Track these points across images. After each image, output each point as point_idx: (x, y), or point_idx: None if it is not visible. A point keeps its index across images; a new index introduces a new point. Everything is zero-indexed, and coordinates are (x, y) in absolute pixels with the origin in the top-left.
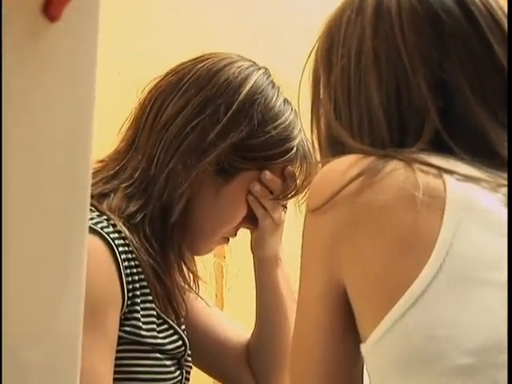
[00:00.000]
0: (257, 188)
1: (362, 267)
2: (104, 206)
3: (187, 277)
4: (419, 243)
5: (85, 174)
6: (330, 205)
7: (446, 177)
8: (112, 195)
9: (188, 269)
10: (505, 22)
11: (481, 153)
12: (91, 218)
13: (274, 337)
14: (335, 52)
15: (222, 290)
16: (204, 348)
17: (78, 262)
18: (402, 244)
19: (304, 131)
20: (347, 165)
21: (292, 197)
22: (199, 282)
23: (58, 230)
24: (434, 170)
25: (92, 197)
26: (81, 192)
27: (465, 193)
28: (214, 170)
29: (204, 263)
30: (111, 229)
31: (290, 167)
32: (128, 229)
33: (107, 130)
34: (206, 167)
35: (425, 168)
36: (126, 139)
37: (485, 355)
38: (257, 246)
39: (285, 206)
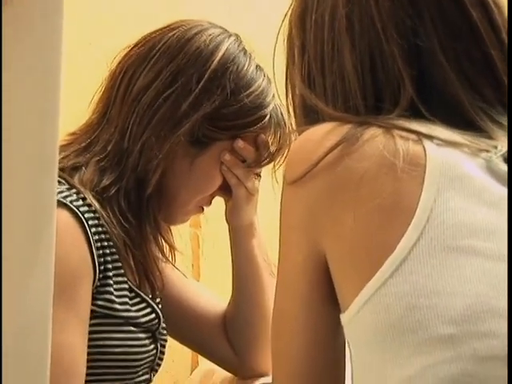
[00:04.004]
0: (227, 157)
1: (343, 237)
2: (75, 180)
3: (163, 248)
4: (400, 211)
5: (52, 147)
6: (308, 176)
7: (426, 142)
8: (84, 168)
9: (164, 240)
10: None
11: (455, 121)
12: (60, 192)
13: (250, 306)
14: (309, 17)
15: (199, 260)
16: (180, 319)
17: (47, 236)
18: (383, 212)
19: (279, 97)
20: (324, 133)
21: (265, 164)
22: (175, 253)
23: (26, 204)
24: (413, 136)
25: (63, 170)
26: (48, 165)
27: (445, 158)
28: (188, 140)
29: (180, 233)
30: (81, 202)
31: (262, 135)
32: (99, 202)
33: (79, 101)
34: (179, 138)
35: (404, 134)
36: (97, 111)
37: (465, 324)
38: (231, 216)
39: (258, 175)
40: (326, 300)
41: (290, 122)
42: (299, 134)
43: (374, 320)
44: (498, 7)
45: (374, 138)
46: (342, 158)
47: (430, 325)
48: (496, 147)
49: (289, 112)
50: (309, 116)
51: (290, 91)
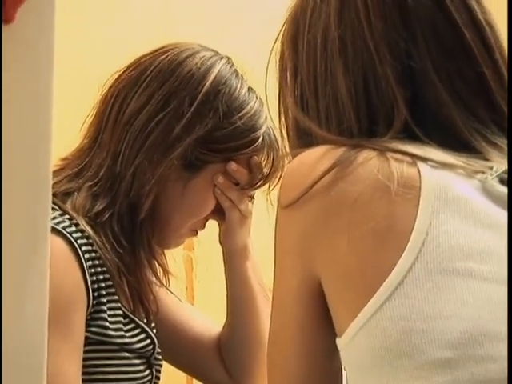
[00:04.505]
0: (220, 180)
1: (338, 261)
2: (67, 205)
3: (157, 271)
4: (395, 234)
5: (45, 173)
6: (302, 200)
7: (421, 164)
8: (76, 194)
9: (158, 264)
10: (472, 0)
11: (449, 142)
12: (53, 218)
13: (244, 329)
14: (301, 39)
15: (192, 283)
16: (175, 343)
17: (41, 262)
18: (378, 236)
19: (271, 119)
20: (317, 157)
21: (258, 187)
22: (169, 276)
23: (19, 230)
24: (408, 158)
25: (55, 195)
26: (42, 192)
27: (440, 181)
28: (181, 164)
29: (173, 256)
30: (74, 228)
31: (255, 157)
32: (92, 228)
33: (70, 127)
34: (172, 162)
35: (398, 156)
36: (88, 136)
37: (462, 348)
38: (225, 239)
39: (252, 197)
40: (322, 324)
41: (284, 144)
42: (293, 158)
43: (371, 344)
44: (490, 26)
45: (368, 161)
46: (336, 182)
47: (426, 349)
48: (491, 168)
49: (282, 135)
50: (302, 138)
51: (282, 114)
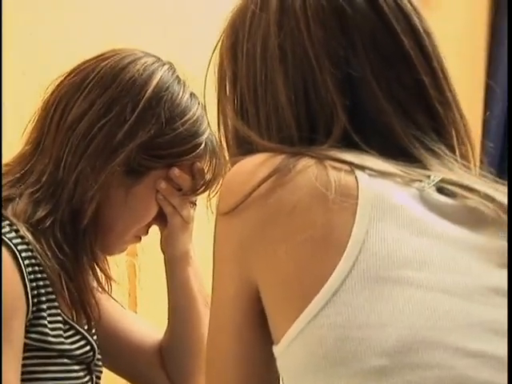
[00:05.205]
0: (162, 185)
1: (275, 269)
2: (8, 211)
3: (100, 278)
4: (331, 242)
5: None
6: (240, 207)
7: (359, 173)
8: (17, 200)
9: (101, 270)
10: (410, 9)
11: (389, 149)
12: None
13: (186, 336)
14: (240, 48)
15: (135, 289)
16: (116, 350)
17: None
18: (315, 244)
19: (209, 126)
20: (256, 164)
21: (201, 193)
22: (111, 283)
23: None
24: (346, 167)
25: None
26: None
27: (377, 189)
28: (124, 170)
29: (116, 262)
30: (14, 234)
31: (198, 163)
32: (33, 234)
33: (12, 132)
34: (115, 168)
35: (337, 165)
36: (30, 142)
37: (398, 356)
38: (167, 245)
39: (194, 204)
40: (259, 332)
41: (223, 153)
42: (232, 165)
43: (307, 352)
44: (428, 35)
45: (307, 169)
46: (275, 189)
47: (362, 357)
48: (429, 177)
49: (221, 143)
50: (242, 147)
51: (222, 123)
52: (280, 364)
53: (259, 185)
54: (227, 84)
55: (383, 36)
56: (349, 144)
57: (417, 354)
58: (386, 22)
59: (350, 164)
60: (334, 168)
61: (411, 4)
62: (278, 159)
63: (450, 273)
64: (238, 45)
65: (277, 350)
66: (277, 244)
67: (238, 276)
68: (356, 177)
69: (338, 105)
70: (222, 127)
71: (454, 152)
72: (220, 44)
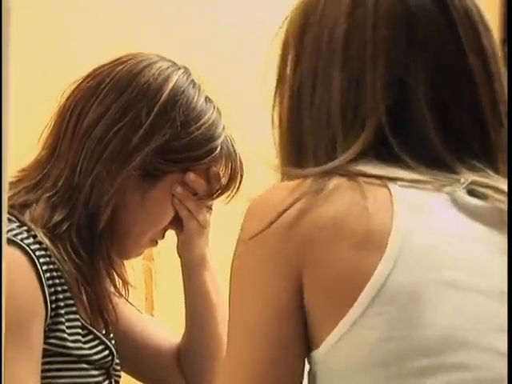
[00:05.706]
0: (178, 190)
1: (320, 273)
2: (25, 217)
3: (117, 282)
4: (373, 244)
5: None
6: (272, 231)
7: (391, 185)
8: (34, 205)
9: (117, 274)
10: (482, 29)
11: (423, 159)
12: (11, 230)
13: (204, 339)
14: (309, 30)
15: (152, 293)
16: (134, 354)
17: None
18: (359, 246)
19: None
20: (287, 192)
21: (217, 197)
22: (128, 287)
23: None
24: (377, 181)
25: (13, 207)
26: None
27: (410, 197)
28: (139, 174)
29: (132, 266)
30: (32, 240)
31: (213, 167)
32: (50, 239)
33: (29, 137)
34: (131, 172)
35: (368, 180)
36: (46, 147)
37: (438, 356)
38: (183, 249)
39: (210, 208)
40: (296, 343)
41: (239, 154)
42: (284, 176)
43: (350, 353)
44: (494, 58)
45: (340, 187)
46: (311, 207)
47: (404, 357)
48: (459, 180)
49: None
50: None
51: (277, 102)
52: (321, 367)
53: (288, 208)
54: (289, 62)
55: (450, 54)
56: (382, 145)
57: (456, 355)
58: (457, 41)
59: (381, 178)
60: (366, 183)
61: (483, 23)
62: (307, 182)
63: (484, 275)
64: (307, 27)
65: (318, 353)
66: (322, 253)
67: (281, 287)
68: (389, 188)
69: (380, 103)
70: (277, 106)
71: (496, 172)
72: (288, 22)
